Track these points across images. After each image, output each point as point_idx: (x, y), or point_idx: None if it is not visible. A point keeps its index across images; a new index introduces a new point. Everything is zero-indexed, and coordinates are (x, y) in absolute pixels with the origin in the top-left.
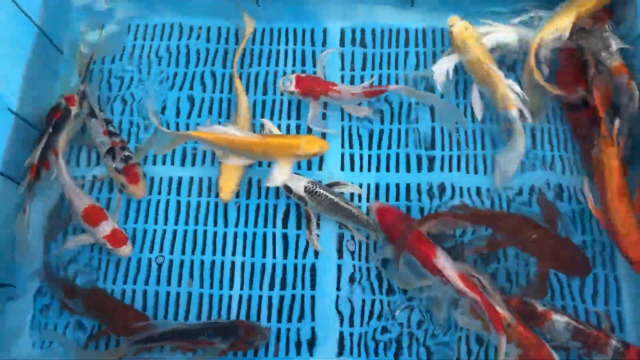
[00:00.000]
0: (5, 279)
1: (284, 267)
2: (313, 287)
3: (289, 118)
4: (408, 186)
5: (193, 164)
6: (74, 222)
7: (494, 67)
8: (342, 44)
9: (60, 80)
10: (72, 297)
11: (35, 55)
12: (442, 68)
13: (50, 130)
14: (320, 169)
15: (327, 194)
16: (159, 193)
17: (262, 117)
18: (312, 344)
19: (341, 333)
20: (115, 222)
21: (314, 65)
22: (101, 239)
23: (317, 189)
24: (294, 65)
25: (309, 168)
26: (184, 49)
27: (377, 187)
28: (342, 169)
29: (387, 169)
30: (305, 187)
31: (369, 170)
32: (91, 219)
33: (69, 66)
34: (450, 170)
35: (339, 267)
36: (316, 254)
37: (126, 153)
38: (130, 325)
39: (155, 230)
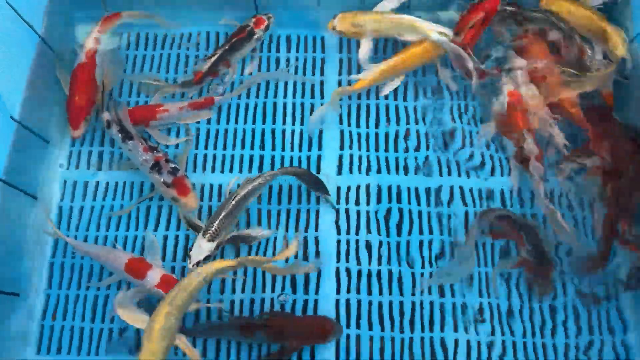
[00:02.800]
0: (10, 288)
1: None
2: (317, 292)
3: (293, 123)
4: (409, 189)
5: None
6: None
7: (398, 16)
8: (340, 50)
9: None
10: None
11: (37, 63)
12: (364, 53)
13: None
14: (317, 172)
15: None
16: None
17: (254, 121)
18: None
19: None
20: (160, 265)
21: (313, 73)
22: (154, 289)
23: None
24: (295, 72)
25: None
26: (183, 57)
27: (379, 188)
28: (340, 172)
29: (388, 171)
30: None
31: (368, 173)
32: (135, 272)
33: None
34: (449, 174)
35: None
36: (317, 253)
37: (172, 165)
38: None
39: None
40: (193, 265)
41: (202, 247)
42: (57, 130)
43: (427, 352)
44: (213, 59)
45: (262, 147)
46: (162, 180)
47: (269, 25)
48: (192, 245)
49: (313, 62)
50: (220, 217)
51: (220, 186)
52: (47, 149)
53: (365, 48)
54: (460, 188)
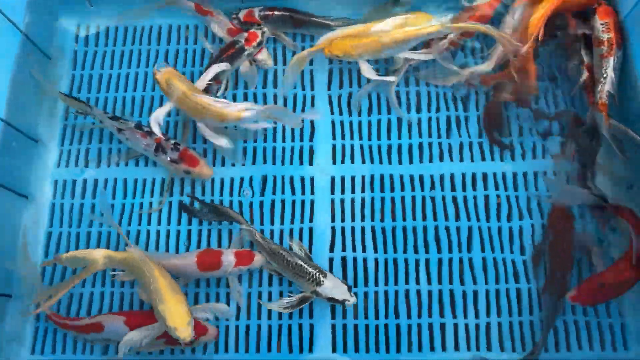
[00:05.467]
0: (3, 289)
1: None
2: None
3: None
4: (402, 177)
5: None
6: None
7: (201, 96)
8: None
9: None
10: None
11: (21, 61)
12: (158, 117)
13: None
14: (311, 163)
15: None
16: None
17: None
18: (312, 340)
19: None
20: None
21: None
22: (234, 269)
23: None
24: (284, 64)
25: (301, 163)
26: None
27: (372, 178)
28: (334, 162)
29: (380, 161)
30: None
31: (363, 162)
32: (210, 265)
33: (57, 71)
34: (441, 159)
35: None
36: (310, 245)
37: (172, 142)
38: None
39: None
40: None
41: None
42: (45, 128)
43: (424, 337)
44: (206, 79)
45: (254, 140)
46: (168, 159)
47: (262, 41)
48: None
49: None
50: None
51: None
52: (36, 147)
53: (365, 66)
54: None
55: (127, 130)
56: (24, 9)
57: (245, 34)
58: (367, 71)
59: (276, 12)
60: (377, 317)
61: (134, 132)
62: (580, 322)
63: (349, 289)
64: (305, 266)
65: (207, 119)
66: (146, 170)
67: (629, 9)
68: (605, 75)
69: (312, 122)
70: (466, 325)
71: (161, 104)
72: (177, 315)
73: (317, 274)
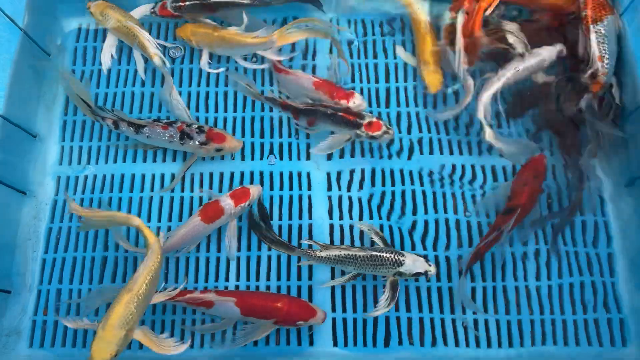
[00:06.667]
0: (2, 285)
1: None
2: (310, 277)
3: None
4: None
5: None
6: None
7: (134, 24)
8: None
9: (48, 82)
10: None
11: (20, 58)
12: (105, 52)
13: None
14: (308, 158)
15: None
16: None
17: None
18: (312, 334)
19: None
20: (217, 194)
21: (304, 57)
22: (236, 209)
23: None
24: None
25: (299, 158)
26: None
27: (373, 171)
28: (329, 157)
29: (380, 156)
30: None
31: (363, 155)
32: (212, 216)
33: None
34: (421, 152)
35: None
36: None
37: (194, 125)
38: None
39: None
40: None
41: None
42: (44, 124)
43: (414, 333)
44: None
45: (252, 135)
46: (197, 143)
47: (381, 135)
48: None
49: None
50: None
51: (211, 174)
52: (34, 143)
53: (205, 57)
54: (453, 166)
55: (147, 126)
56: (24, 6)
57: (371, 119)
58: (204, 63)
59: (187, 2)
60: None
61: (154, 127)
62: (579, 319)
63: (426, 258)
64: (380, 254)
65: (138, 46)
66: (145, 165)
67: (625, 6)
68: (590, 51)
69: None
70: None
71: (161, 105)
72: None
73: (395, 256)
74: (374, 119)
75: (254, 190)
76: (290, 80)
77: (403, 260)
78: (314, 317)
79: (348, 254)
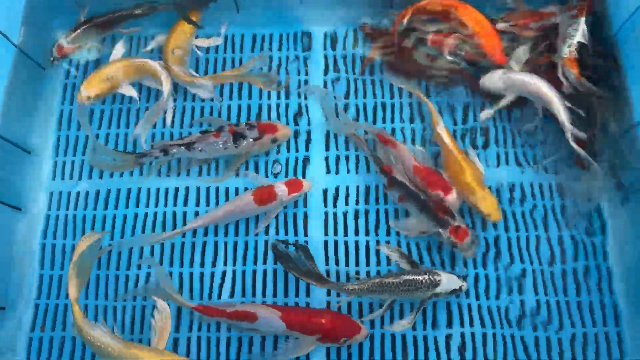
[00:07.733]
0: None
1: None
2: (307, 294)
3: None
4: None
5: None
6: None
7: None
8: (324, 47)
9: (43, 98)
10: None
11: (15, 74)
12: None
13: None
14: (304, 175)
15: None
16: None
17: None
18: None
19: None
20: (266, 180)
21: (298, 73)
22: (288, 197)
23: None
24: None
25: (295, 173)
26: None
27: (367, 188)
28: (328, 171)
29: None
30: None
31: (357, 172)
32: (266, 199)
33: (51, 83)
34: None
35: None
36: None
37: (244, 123)
38: None
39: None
40: None
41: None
42: (38, 140)
43: (410, 350)
44: None
45: None
46: (251, 139)
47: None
48: None
49: (296, 60)
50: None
51: (208, 188)
52: (29, 159)
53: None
54: None
55: (197, 144)
56: (19, 20)
57: (460, 225)
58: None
59: (78, 30)
60: (372, 327)
61: (206, 138)
62: (578, 332)
63: (457, 275)
64: (414, 277)
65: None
66: (139, 180)
67: (619, 26)
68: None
69: (308, 133)
70: (462, 334)
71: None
72: None
73: (430, 277)
74: (463, 226)
75: (306, 184)
76: (393, 154)
77: (439, 280)
78: (358, 334)
79: (379, 282)
